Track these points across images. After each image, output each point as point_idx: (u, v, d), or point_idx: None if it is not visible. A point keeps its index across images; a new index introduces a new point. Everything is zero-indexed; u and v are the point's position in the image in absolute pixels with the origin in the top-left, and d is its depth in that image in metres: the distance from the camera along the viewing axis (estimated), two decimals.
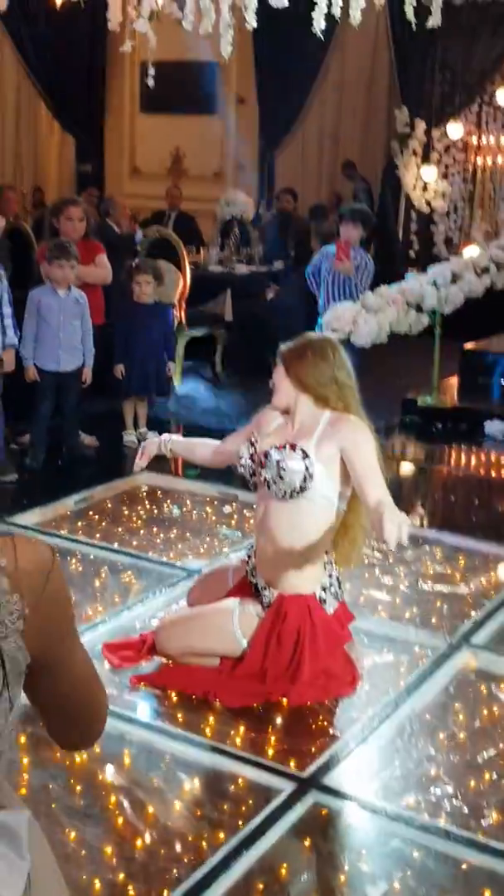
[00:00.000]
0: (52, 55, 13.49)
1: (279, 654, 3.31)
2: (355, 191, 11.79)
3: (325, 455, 3.22)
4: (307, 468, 3.19)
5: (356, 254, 6.33)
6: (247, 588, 3.49)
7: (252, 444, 3.39)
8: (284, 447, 3.24)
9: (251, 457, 3.34)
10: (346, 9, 5.54)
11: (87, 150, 14.05)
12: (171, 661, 3.52)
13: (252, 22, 5.88)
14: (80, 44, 13.33)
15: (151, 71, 7.02)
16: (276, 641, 3.31)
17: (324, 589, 3.38)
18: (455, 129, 10.62)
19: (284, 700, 3.35)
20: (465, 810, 2.91)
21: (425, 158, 11.28)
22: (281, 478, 3.20)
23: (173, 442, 3.73)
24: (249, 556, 3.53)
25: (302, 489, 3.20)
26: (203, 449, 3.72)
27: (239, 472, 3.43)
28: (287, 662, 3.32)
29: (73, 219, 5.90)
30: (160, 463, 5.87)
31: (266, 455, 3.25)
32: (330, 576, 3.40)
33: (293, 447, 3.22)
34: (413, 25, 5.76)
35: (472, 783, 3.04)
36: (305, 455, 3.20)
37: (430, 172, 10.88)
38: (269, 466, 3.23)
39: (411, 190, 11.47)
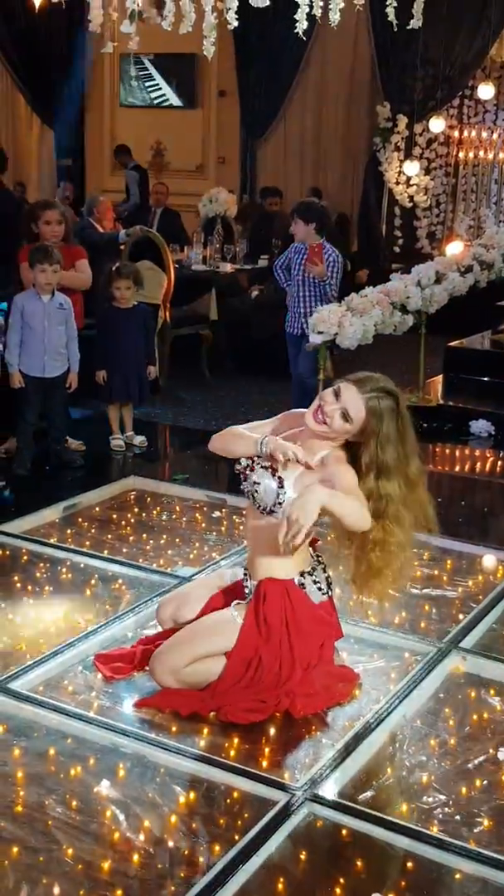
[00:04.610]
0: (31, 48, 13.40)
1: (270, 636, 3.34)
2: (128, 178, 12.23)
3: (302, 485, 3.24)
4: (279, 495, 3.26)
5: (324, 251, 6.38)
6: (239, 593, 3.54)
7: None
8: (266, 468, 3.28)
9: (248, 466, 3.37)
10: (326, 7, 5.57)
11: (67, 144, 13.99)
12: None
13: (233, 23, 5.88)
14: (59, 37, 13.25)
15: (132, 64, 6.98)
16: (265, 622, 3.35)
17: (302, 574, 3.41)
18: (437, 124, 10.64)
19: (300, 711, 3.35)
20: (458, 818, 2.95)
21: (407, 153, 11.31)
22: (255, 494, 3.31)
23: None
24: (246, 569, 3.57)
25: (272, 511, 3.29)
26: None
27: (236, 469, 3.45)
28: (278, 645, 3.33)
29: (51, 222, 5.87)
30: (148, 467, 5.93)
31: (252, 469, 3.33)
32: (313, 569, 3.44)
33: (274, 472, 3.27)
34: (394, 26, 5.76)
35: (464, 790, 3.07)
36: (281, 485, 3.26)
37: (412, 167, 10.89)
38: (248, 480, 3.33)
39: (394, 185, 11.49)
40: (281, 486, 3.26)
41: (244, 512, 3.59)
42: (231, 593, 3.58)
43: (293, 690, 3.37)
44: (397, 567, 3.38)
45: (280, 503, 3.26)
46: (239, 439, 3.37)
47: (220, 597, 3.60)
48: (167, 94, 13.49)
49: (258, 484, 3.29)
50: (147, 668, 3.52)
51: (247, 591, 3.49)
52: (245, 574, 3.53)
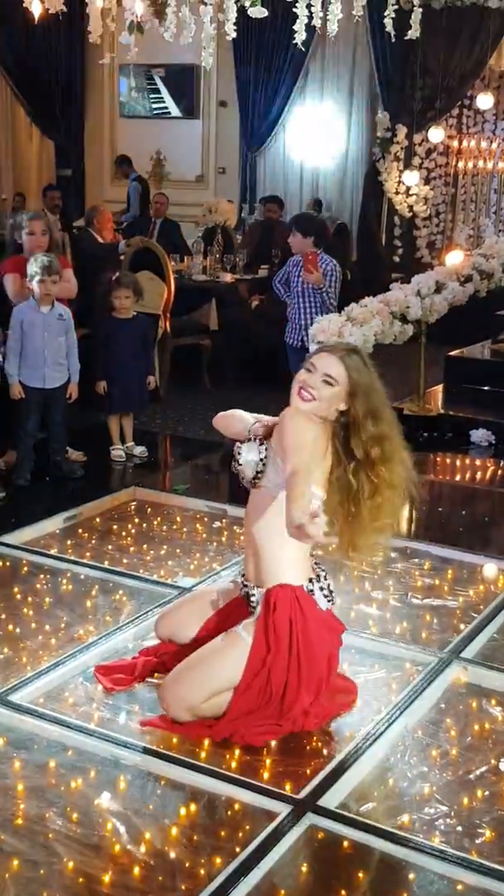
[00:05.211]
0: (30, 59, 13.43)
1: (278, 645, 3.30)
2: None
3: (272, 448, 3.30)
4: (261, 459, 3.30)
5: (320, 260, 6.41)
6: (241, 608, 3.50)
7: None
8: (252, 439, 3.34)
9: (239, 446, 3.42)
10: (325, 17, 5.61)
11: (67, 154, 14.03)
12: None
13: (232, 33, 5.91)
14: (58, 47, 13.29)
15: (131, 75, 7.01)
16: (273, 632, 3.31)
17: (310, 580, 3.40)
18: (436, 134, 10.67)
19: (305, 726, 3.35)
20: (459, 829, 2.94)
21: (407, 163, 11.33)
22: (239, 466, 3.35)
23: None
24: (243, 574, 3.54)
25: (256, 479, 3.32)
26: None
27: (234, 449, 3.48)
28: (286, 654, 3.30)
29: (35, 233, 5.86)
30: (148, 477, 5.93)
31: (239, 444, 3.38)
32: (318, 577, 3.43)
33: (256, 437, 3.33)
34: (392, 37, 5.78)
35: (465, 801, 3.06)
36: (261, 443, 3.30)
37: (411, 177, 10.92)
38: (234, 454, 3.38)
39: (393, 195, 11.52)
40: (262, 443, 3.31)
41: (244, 519, 3.57)
42: (228, 613, 3.53)
43: (308, 710, 3.35)
44: (398, 505, 3.48)
45: (260, 471, 3.30)
46: (237, 421, 3.49)
47: (216, 618, 3.55)
48: (167, 105, 13.52)
49: (240, 454, 3.35)
50: (155, 681, 3.50)
51: (253, 600, 3.41)
52: (244, 583, 3.49)
